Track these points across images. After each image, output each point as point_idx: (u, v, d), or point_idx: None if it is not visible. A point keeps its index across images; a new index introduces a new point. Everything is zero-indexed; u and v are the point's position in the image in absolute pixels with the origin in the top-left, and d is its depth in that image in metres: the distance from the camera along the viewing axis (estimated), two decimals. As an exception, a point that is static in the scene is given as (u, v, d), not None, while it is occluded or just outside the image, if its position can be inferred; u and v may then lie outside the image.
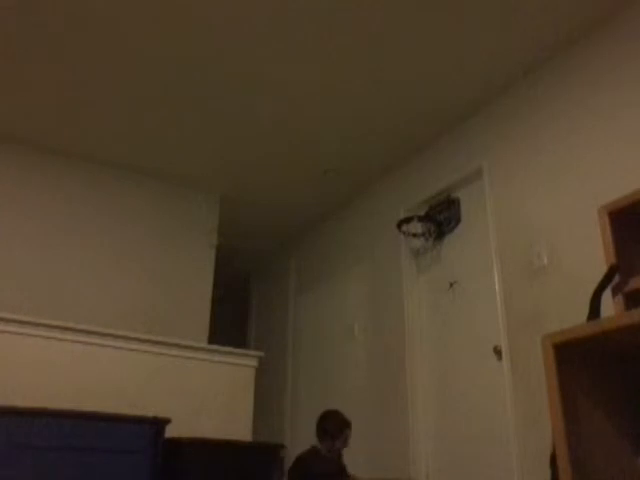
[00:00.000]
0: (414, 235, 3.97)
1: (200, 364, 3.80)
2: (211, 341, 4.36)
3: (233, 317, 6.43)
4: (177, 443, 3.11)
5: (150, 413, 3.16)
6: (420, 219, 3.95)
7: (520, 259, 3.20)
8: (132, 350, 3.55)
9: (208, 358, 3.86)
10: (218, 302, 4.80)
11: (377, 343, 4.17)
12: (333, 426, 3.24)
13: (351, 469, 3.34)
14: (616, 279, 2.04)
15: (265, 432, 4.74)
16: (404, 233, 4.00)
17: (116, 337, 3.53)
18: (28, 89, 3.64)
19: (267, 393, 5.15)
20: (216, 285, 4.66)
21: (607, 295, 2.05)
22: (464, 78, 3.48)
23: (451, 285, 3.73)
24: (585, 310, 1.97)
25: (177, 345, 3.78)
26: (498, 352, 3.22)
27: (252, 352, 4.18)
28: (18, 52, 3.31)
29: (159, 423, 3.10)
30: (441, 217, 3.91)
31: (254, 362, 3.99)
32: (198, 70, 3.45)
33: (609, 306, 2.08)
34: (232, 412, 3.75)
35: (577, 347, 1.60)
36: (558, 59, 3.26)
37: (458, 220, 3.81)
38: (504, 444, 3.06)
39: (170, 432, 3.11)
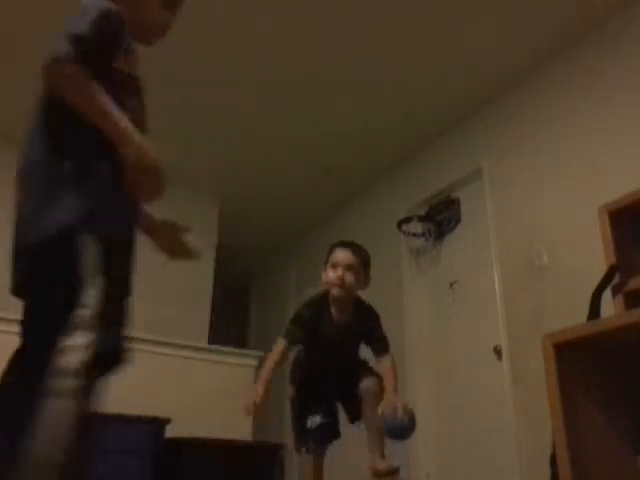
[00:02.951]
0: (414, 235, 3.96)
1: (200, 364, 3.80)
2: (211, 341, 4.36)
3: (233, 317, 6.43)
4: (177, 443, 3.12)
5: (150, 413, 3.17)
6: (420, 219, 3.95)
7: (520, 259, 3.20)
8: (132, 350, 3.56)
9: (208, 358, 3.86)
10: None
11: (377, 343, 4.16)
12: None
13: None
14: (616, 279, 2.04)
15: (265, 432, 4.73)
16: (404, 233, 3.99)
17: (116, 337, 3.53)
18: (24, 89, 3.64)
19: (267, 393, 5.14)
20: (216, 285, 4.66)
21: (607, 295, 2.05)
22: (464, 78, 3.47)
23: (451, 285, 3.73)
24: (585, 310, 1.97)
25: (177, 345, 3.78)
26: (498, 352, 3.21)
27: (252, 352, 4.18)
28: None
29: (159, 423, 3.11)
30: (441, 217, 3.91)
31: (254, 362, 3.99)
32: (198, 70, 3.45)
33: (609, 306, 2.08)
34: (232, 412, 3.74)
35: (577, 347, 1.60)
36: (558, 59, 3.26)
37: (458, 220, 3.80)
38: (504, 444, 3.05)
39: (170, 432, 3.12)
